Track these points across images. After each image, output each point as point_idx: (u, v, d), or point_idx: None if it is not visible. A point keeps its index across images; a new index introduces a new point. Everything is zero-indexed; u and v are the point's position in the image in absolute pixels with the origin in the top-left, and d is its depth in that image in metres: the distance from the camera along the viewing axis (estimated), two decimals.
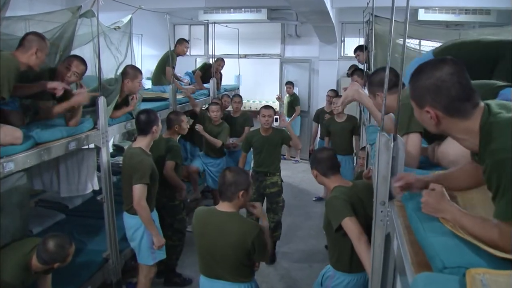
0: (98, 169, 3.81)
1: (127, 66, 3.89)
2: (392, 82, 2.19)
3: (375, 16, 4.61)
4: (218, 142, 5.15)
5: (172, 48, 5.98)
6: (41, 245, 2.62)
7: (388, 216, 1.78)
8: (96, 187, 3.76)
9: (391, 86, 2.20)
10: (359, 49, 5.62)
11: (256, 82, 9.68)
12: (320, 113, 6.36)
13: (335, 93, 6.26)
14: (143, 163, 3.25)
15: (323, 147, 2.89)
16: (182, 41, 6.13)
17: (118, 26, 3.89)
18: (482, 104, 1.31)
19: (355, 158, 5.67)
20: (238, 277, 2.48)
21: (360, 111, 5.79)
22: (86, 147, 3.65)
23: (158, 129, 3.43)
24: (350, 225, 2.35)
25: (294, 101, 8.49)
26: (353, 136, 5.45)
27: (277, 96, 9.00)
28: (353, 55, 8.51)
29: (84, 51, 3.92)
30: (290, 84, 8.52)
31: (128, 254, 4.00)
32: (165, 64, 5.61)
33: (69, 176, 3.67)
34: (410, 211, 1.48)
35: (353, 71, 5.25)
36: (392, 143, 1.75)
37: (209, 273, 2.52)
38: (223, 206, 2.50)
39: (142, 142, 3.40)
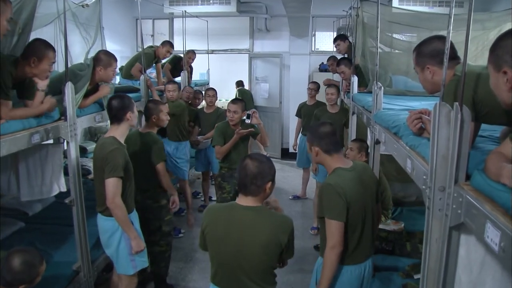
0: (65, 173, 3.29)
1: (100, 52, 3.39)
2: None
3: (362, 0, 4.37)
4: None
5: (140, 41, 5.46)
6: (4, 262, 2.10)
7: (455, 204, 1.47)
8: (64, 189, 3.24)
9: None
10: (339, 38, 5.32)
11: (222, 79, 9.29)
12: (302, 108, 6.02)
13: (316, 86, 5.93)
14: (115, 153, 2.78)
15: (323, 121, 2.57)
16: (166, 43, 5.59)
17: (87, 4, 3.38)
18: None
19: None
20: (266, 285, 2.08)
21: (342, 101, 5.54)
22: (51, 141, 3.15)
23: (133, 116, 2.97)
24: (334, 230, 2.22)
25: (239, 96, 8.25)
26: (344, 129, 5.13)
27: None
28: (325, 49, 8.45)
29: (45, 33, 3.42)
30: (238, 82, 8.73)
31: (101, 265, 3.51)
32: (139, 61, 5.08)
33: (31, 176, 3.14)
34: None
35: (340, 60, 4.91)
36: (460, 114, 1.44)
37: (230, 284, 2.09)
38: (247, 201, 2.05)
39: (116, 131, 2.93)
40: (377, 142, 2.94)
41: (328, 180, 2.31)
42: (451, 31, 1.54)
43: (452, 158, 1.48)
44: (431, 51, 1.94)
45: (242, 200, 2.07)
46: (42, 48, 2.66)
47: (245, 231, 2.01)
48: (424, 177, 1.68)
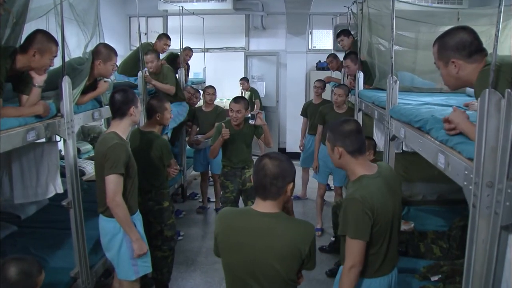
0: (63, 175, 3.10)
1: (99, 45, 3.23)
2: (475, 47, 1.78)
3: None
4: (171, 88, 4.91)
5: (136, 39, 5.32)
6: None
7: (508, 201, 1.33)
8: (60, 190, 3.03)
9: (472, 51, 1.78)
10: (343, 33, 5.16)
11: (218, 78, 9.12)
12: (308, 107, 5.79)
13: (323, 83, 5.73)
14: (116, 149, 2.62)
15: (347, 118, 2.28)
16: (162, 36, 5.49)
17: None
18: None
19: None
20: None
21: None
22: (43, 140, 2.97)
23: (137, 112, 2.81)
24: (355, 249, 1.99)
25: (254, 96, 7.97)
26: None
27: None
28: (322, 47, 8.33)
29: (38, 25, 3.23)
30: (244, 80, 8.05)
31: (99, 270, 3.33)
32: (137, 57, 4.91)
33: (25, 177, 2.94)
34: None
35: (347, 54, 4.72)
36: None
37: None
38: (265, 206, 1.83)
39: (118, 127, 2.78)
40: (393, 138, 2.80)
41: (354, 193, 2.02)
42: (500, 24, 1.42)
43: (504, 151, 1.35)
44: (456, 43, 1.80)
45: (260, 206, 1.85)
46: (45, 40, 2.51)
47: (260, 239, 1.81)
48: (466, 172, 1.54)
